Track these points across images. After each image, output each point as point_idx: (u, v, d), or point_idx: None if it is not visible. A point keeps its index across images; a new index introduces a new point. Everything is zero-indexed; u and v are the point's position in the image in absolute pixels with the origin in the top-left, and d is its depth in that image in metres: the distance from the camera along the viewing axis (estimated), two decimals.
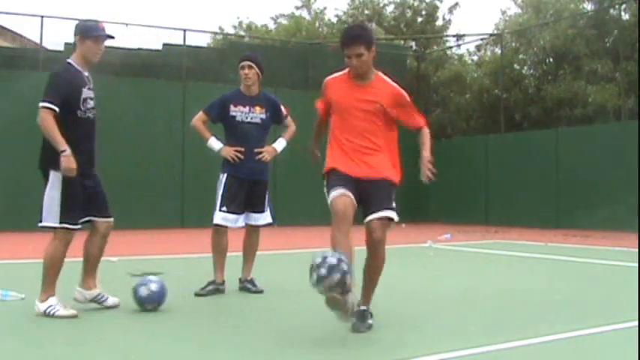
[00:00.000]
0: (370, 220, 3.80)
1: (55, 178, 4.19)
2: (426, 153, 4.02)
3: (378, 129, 3.96)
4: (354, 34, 3.93)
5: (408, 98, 4.05)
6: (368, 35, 3.94)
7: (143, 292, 4.39)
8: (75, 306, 4.35)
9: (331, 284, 3.40)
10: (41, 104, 4.14)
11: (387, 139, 4.02)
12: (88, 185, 4.33)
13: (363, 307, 3.87)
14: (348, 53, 3.87)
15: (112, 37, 4.45)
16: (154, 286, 4.41)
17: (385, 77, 4.07)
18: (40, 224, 4.22)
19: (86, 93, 4.31)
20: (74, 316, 4.16)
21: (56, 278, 4.25)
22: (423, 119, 4.20)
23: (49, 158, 4.17)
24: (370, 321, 3.87)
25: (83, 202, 4.28)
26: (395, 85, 4.05)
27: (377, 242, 3.79)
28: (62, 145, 4.09)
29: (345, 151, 3.94)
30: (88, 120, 4.32)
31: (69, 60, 4.37)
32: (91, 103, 4.35)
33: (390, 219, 3.83)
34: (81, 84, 4.29)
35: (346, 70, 4.05)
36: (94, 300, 4.48)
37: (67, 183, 4.17)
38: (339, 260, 3.44)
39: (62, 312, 4.16)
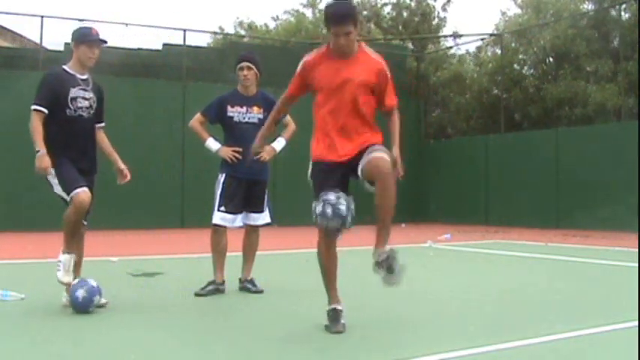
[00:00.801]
0: (369, 157, 3.65)
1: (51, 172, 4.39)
2: (396, 151, 3.86)
3: (365, 108, 3.81)
4: (342, 11, 3.68)
5: (389, 74, 3.88)
6: (355, 12, 3.77)
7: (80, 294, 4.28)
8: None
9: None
10: (31, 107, 4.39)
11: (372, 118, 3.87)
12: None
13: (334, 306, 3.86)
14: (336, 32, 3.67)
15: (105, 42, 4.60)
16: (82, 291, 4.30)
17: (368, 49, 3.89)
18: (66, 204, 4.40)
19: (76, 93, 4.48)
20: (67, 284, 4.33)
21: (71, 239, 4.39)
22: (396, 99, 4.00)
23: None
24: (343, 320, 3.81)
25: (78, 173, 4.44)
26: (379, 58, 3.88)
27: (384, 174, 3.59)
28: (38, 145, 4.32)
29: (332, 131, 3.79)
30: (80, 118, 4.50)
31: (64, 65, 4.58)
32: (83, 103, 4.51)
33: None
34: (70, 84, 4.47)
35: (325, 47, 3.85)
36: None
37: (59, 167, 4.36)
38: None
39: (60, 274, 4.34)
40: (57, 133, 4.38)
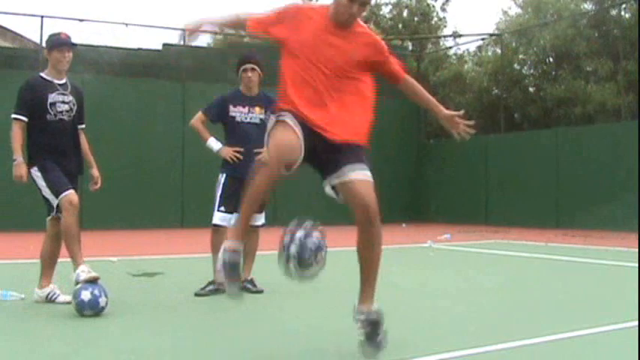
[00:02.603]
0: (352, 182, 3.15)
1: (35, 173, 4.54)
2: (440, 107, 3.56)
3: (347, 84, 3.31)
4: None
5: (385, 47, 3.41)
6: None
7: (85, 295, 4.19)
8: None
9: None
10: (12, 116, 4.57)
11: (358, 93, 3.35)
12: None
13: (372, 315, 3.23)
14: None
15: (75, 45, 4.75)
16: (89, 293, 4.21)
17: (363, 24, 3.44)
18: (53, 214, 4.55)
19: (54, 98, 4.62)
20: (97, 277, 4.30)
21: (78, 249, 4.40)
22: (403, 69, 3.52)
23: (28, 159, 4.57)
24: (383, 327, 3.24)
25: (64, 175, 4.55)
26: (372, 33, 3.45)
27: (373, 215, 3.11)
28: (15, 154, 4.51)
29: (307, 101, 3.27)
30: (61, 122, 4.64)
31: (41, 73, 4.75)
32: (63, 107, 4.65)
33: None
34: (47, 90, 4.61)
35: (326, 7, 3.36)
36: (47, 298, 4.63)
37: (43, 169, 4.51)
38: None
39: (84, 276, 4.27)
40: (41, 138, 4.55)
